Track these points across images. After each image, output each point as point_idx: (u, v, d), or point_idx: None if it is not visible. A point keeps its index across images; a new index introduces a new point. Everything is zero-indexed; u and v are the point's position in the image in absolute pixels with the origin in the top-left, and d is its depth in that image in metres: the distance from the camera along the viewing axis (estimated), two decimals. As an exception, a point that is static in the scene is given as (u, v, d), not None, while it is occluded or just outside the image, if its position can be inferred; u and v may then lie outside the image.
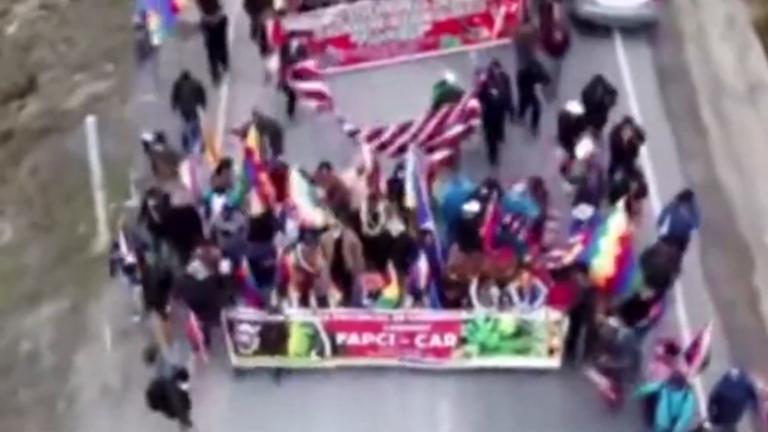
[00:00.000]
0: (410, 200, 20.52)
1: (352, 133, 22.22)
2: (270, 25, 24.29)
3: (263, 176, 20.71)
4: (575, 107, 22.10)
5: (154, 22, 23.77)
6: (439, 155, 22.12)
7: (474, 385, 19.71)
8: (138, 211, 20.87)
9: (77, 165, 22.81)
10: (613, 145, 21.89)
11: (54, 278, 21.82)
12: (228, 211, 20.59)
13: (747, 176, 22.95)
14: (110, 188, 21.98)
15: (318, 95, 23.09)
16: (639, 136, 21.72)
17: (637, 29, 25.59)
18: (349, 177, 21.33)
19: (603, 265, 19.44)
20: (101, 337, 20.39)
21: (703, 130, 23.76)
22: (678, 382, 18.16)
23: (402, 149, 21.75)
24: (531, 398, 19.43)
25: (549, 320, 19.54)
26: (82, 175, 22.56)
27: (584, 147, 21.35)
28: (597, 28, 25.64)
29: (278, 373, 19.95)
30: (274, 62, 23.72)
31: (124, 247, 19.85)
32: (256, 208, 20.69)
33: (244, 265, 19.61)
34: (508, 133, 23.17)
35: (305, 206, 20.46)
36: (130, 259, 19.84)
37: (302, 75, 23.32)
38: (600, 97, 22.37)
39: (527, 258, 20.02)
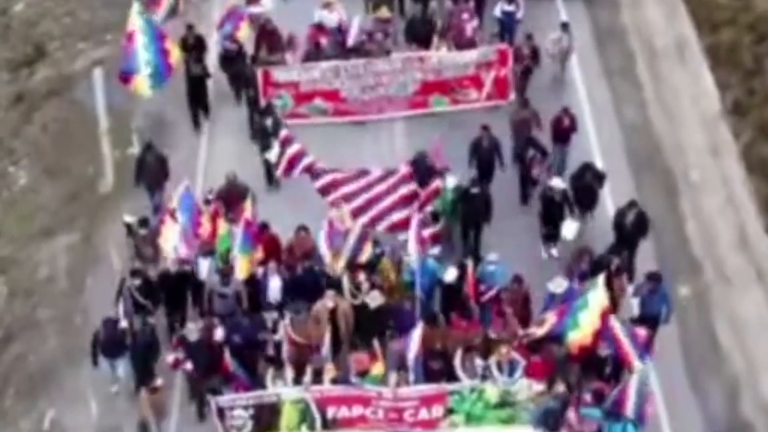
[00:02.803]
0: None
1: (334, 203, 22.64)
2: (260, 75, 25.25)
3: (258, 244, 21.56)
4: (558, 183, 22.60)
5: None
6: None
7: None
8: (117, 290, 21.31)
9: (84, 120, 25.66)
10: (617, 228, 22.23)
11: (66, 214, 24.62)
12: (225, 276, 21.13)
13: (675, 120, 25.91)
14: (114, 136, 24.83)
15: (301, 156, 23.27)
16: (642, 220, 22.12)
17: (577, -5, 28.29)
18: (324, 243, 21.69)
19: (581, 338, 19.90)
20: (110, 262, 23.14)
21: (637, 82, 26.69)
22: (615, 415, 19.11)
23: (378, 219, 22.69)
24: None
25: (532, 392, 19.93)
26: (88, 128, 25.40)
27: (570, 229, 22.16)
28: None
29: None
30: (274, 155, 23.60)
31: (121, 311, 20.85)
32: (240, 272, 21.18)
33: (227, 357, 20.19)
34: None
35: None
36: (123, 324, 20.73)
37: (285, 143, 23.43)
38: (589, 182, 22.85)
39: (489, 329, 20.56)
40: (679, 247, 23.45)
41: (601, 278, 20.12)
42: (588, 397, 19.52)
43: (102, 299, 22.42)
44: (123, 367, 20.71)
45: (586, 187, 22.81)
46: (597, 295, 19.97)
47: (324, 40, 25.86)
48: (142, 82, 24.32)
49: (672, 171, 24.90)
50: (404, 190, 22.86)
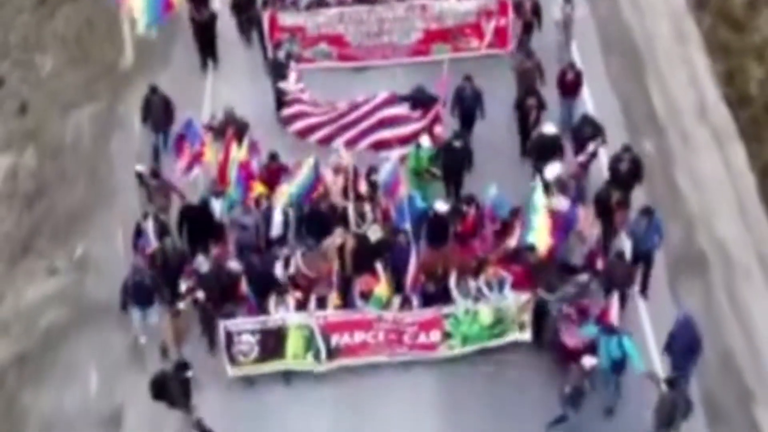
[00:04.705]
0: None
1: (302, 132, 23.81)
2: (266, 18, 26.26)
3: (253, 183, 22.46)
4: (549, 128, 23.42)
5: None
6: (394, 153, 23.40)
7: (452, 371, 21.22)
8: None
9: (104, 16, 28.14)
10: (612, 173, 22.96)
11: (91, 90, 26.95)
12: (246, 207, 22.03)
13: (643, 13, 28.40)
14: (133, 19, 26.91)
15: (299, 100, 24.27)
16: (637, 166, 22.81)
17: None
18: (326, 176, 22.65)
19: (541, 237, 21.14)
20: (132, 127, 25.43)
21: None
22: (608, 330, 19.87)
23: (362, 137, 23.55)
24: (507, 379, 21.00)
25: (520, 302, 20.94)
26: (108, 23, 27.75)
27: (553, 170, 22.55)
28: None
29: (287, 375, 21.00)
30: (291, 83, 24.57)
31: (151, 233, 21.69)
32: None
33: (243, 283, 20.94)
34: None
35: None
36: (154, 244, 21.56)
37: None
38: (588, 135, 23.25)
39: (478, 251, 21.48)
40: (646, 116, 25.90)
41: (538, 181, 21.79)
42: (572, 312, 20.64)
43: (126, 157, 24.79)
44: (153, 315, 21.27)
45: (585, 139, 23.38)
46: (538, 196, 21.46)
47: None
48: (136, 10, 25.88)
49: (640, 55, 27.36)
50: (386, 112, 23.78)
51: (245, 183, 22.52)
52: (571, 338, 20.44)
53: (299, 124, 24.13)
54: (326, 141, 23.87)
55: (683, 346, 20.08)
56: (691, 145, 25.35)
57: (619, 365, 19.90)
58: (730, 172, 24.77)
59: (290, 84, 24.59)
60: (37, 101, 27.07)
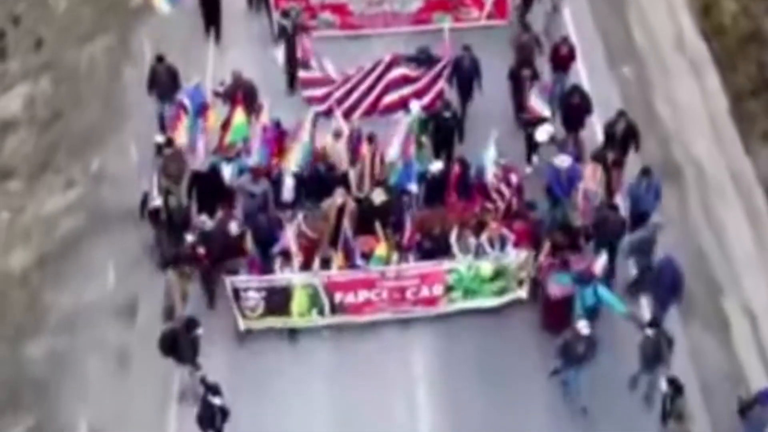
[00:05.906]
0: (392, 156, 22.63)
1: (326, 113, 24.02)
2: None
3: (278, 146, 22.90)
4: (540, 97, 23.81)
5: None
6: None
7: (451, 330, 21.82)
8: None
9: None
10: (607, 136, 23.33)
11: (104, 24, 28.37)
12: (256, 175, 22.18)
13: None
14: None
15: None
16: (632, 130, 23.21)
17: None
18: (326, 141, 23.08)
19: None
20: (143, 57, 26.75)
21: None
22: (584, 279, 20.43)
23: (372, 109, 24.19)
24: (505, 337, 21.69)
25: (520, 260, 21.44)
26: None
27: (542, 132, 23.19)
28: None
29: (292, 333, 21.60)
30: (279, 56, 25.43)
31: (155, 190, 22.42)
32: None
33: (248, 239, 21.51)
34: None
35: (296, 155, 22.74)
36: (157, 201, 22.20)
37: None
38: (576, 103, 23.80)
39: (476, 208, 22.09)
40: (627, 47, 27.54)
41: (491, 142, 22.47)
42: (555, 264, 21.28)
43: (138, 85, 25.92)
44: None
45: (574, 107, 23.88)
46: (489, 157, 22.47)
47: None
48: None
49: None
50: (392, 74, 24.34)
51: (270, 145, 22.97)
52: (552, 288, 21.10)
53: (322, 107, 24.60)
54: (346, 116, 24.16)
55: (666, 285, 20.92)
56: (669, 73, 26.95)
57: (593, 313, 20.40)
58: (705, 97, 26.35)
59: (279, 56, 25.44)
60: (51, 37, 28.45)
